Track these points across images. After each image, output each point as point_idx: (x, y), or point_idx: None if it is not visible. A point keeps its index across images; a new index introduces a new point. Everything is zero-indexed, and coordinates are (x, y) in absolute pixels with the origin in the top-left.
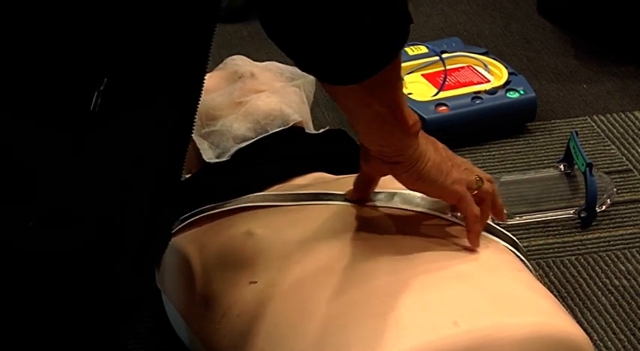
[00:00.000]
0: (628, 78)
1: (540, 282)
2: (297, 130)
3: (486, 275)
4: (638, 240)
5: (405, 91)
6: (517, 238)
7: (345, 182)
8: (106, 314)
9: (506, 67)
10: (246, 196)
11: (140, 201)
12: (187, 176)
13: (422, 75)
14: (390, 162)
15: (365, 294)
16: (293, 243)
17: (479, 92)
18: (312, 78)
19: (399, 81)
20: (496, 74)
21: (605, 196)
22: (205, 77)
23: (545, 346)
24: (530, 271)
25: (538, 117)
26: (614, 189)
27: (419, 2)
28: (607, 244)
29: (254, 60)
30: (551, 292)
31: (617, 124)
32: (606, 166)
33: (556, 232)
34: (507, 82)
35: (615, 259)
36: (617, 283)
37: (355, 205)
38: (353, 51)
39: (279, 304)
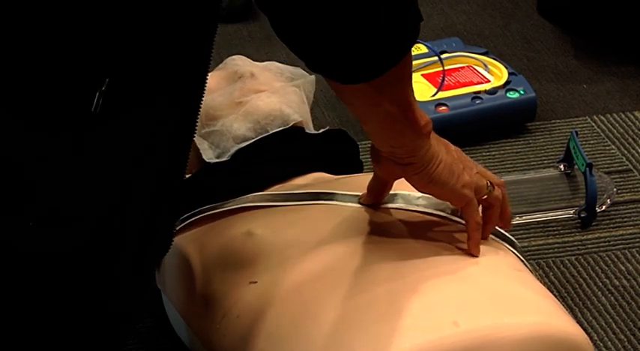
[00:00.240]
0: (628, 78)
1: (540, 282)
2: (297, 130)
3: (486, 275)
4: (638, 240)
5: None
6: (517, 238)
7: (345, 182)
8: (106, 314)
9: (506, 67)
10: (245, 196)
11: (140, 201)
12: (187, 176)
13: (422, 75)
14: (402, 163)
15: (367, 296)
16: (293, 243)
17: (479, 92)
18: (312, 78)
19: (409, 80)
20: (496, 74)
21: (605, 196)
22: (207, 77)
23: (545, 346)
24: (530, 271)
25: (538, 117)
26: (614, 189)
27: (419, 2)
28: (607, 244)
29: (254, 60)
30: (551, 292)
31: (617, 124)
32: (606, 166)
33: (556, 232)
34: (507, 82)
35: (615, 259)
36: (617, 283)
37: (355, 205)
38: (363, 49)
39: (279, 305)
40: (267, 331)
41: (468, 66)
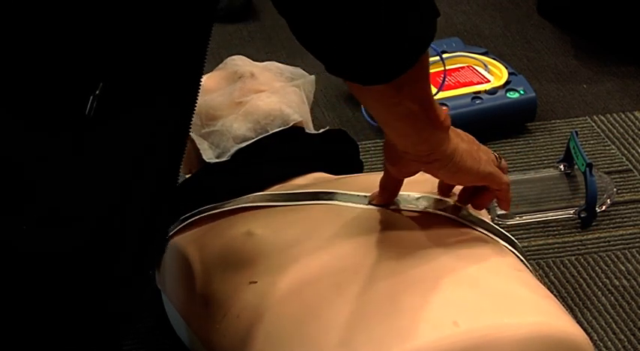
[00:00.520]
0: (628, 78)
1: (540, 282)
2: (297, 130)
3: (487, 275)
4: (638, 240)
5: None
6: (517, 238)
7: (346, 182)
8: (106, 314)
9: (506, 67)
10: (246, 197)
11: (140, 201)
12: (187, 176)
13: None
14: (426, 161)
15: (367, 296)
16: (293, 243)
17: (479, 92)
18: (312, 78)
19: (428, 77)
20: (496, 74)
21: (605, 196)
22: (203, 77)
23: (545, 346)
24: (530, 271)
25: (538, 117)
26: (614, 189)
27: None
28: (607, 244)
29: (254, 60)
30: (551, 292)
31: (617, 124)
32: (606, 166)
33: (556, 232)
34: (507, 82)
35: (615, 259)
36: (617, 283)
37: (355, 205)
38: (383, 49)
39: (279, 305)
40: (267, 331)
41: (468, 66)
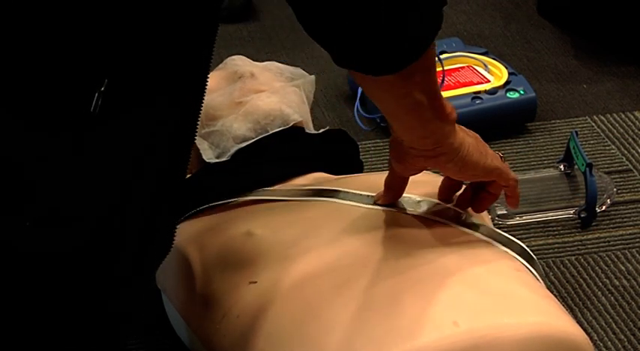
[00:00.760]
0: (628, 78)
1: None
2: (297, 130)
3: (486, 275)
4: (638, 240)
5: None
6: (517, 238)
7: (346, 182)
8: (106, 314)
9: (506, 67)
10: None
11: (140, 201)
12: (187, 176)
13: None
14: (433, 156)
15: (367, 296)
16: (293, 243)
17: (479, 92)
18: (312, 78)
19: (435, 68)
20: (496, 74)
21: (605, 196)
22: (208, 77)
23: (545, 346)
24: (542, 278)
25: (538, 117)
26: (614, 189)
27: None
28: (607, 244)
29: (254, 60)
30: (551, 292)
31: (617, 124)
32: (606, 166)
33: (556, 232)
34: (507, 82)
35: (615, 259)
36: (617, 283)
37: (355, 205)
38: (392, 39)
39: (279, 305)
40: (268, 331)
41: (467, 66)
